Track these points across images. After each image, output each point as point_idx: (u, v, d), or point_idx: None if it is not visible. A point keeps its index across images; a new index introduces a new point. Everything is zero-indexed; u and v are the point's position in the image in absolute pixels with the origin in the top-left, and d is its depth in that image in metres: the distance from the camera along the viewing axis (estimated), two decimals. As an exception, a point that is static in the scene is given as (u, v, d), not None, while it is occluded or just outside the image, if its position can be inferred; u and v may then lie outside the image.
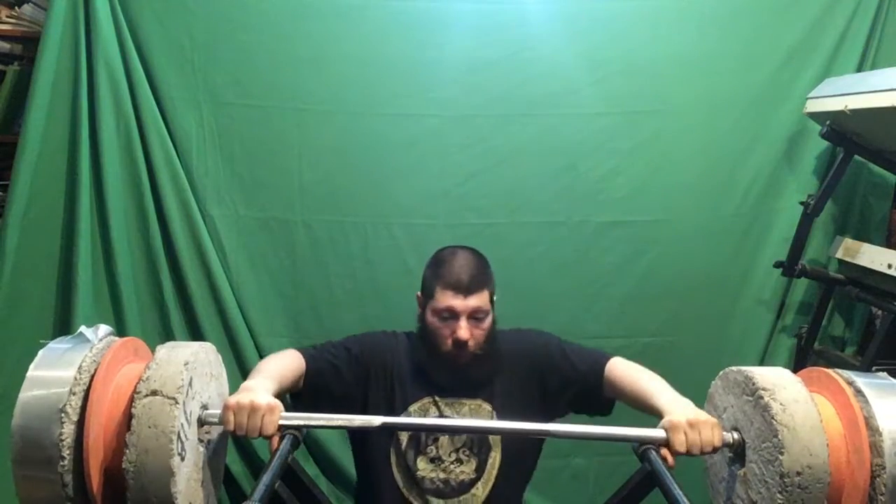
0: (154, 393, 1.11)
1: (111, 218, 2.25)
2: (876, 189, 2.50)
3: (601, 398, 1.62)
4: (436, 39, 2.34)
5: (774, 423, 1.13)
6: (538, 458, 1.73)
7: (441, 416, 1.60)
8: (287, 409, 1.28)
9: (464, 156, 2.40)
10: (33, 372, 1.12)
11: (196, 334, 2.33)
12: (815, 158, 2.48)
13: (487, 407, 1.62)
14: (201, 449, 1.22)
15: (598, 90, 2.39)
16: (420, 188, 2.40)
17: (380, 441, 1.61)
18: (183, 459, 1.12)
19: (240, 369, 2.34)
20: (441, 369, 1.60)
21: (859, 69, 2.40)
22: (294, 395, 1.57)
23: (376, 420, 1.27)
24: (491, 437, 1.61)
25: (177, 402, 1.10)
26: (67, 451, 1.06)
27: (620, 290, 2.47)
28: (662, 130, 2.42)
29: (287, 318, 2.43)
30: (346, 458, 2.35)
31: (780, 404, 1.15)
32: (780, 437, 1.12)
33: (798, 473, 1.11)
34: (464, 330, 1.55)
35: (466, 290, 1.55)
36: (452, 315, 1.56)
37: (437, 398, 1.61)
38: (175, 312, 2.34)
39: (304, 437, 1.28)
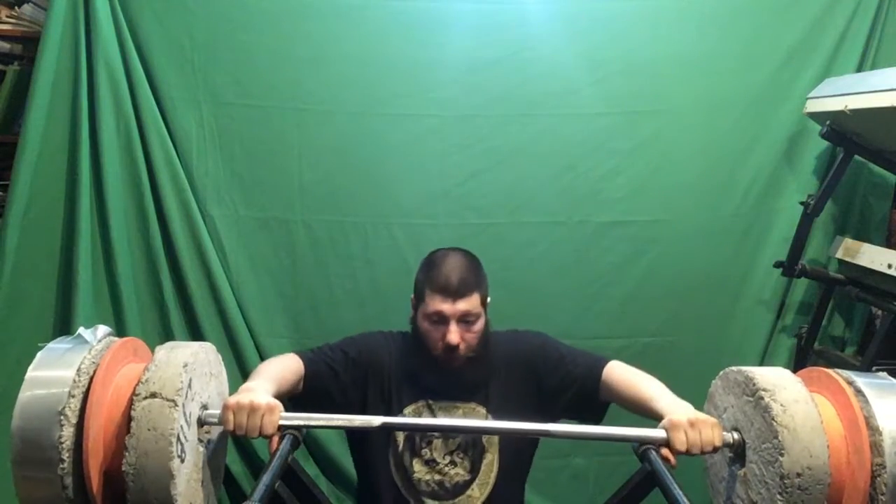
0: (153, 395, 1.10)
1: (111, 218, 2.25)
2: (876, 189, 2.50)
3: (597, 402, 1.60)
4: (436, 39, 2.34)
5: (775, 424, 1.13)
6: (533, 457, 1.72)
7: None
8: (286, 410, 1.28)
9: (464, 156, 2.40)
10: (33, 373, 1.12)
11: (196, 334, 2.33)
12: (815, 158, 2.48)
13: (482, 410, 1.62)
14: (201, 449, 1.22)
15: (598, 90, 2.39)
16: (420, 188, 2.40)
17: (378, 443, 1.60)
18: (183, 461, 1.12)
19: (240, 369, 2.34)
20: (434, 373, 1.59)
21: (859, 69, 2.40)
22: (293, 399, 1.56)
23: (376, 420, 1.27)
24: (485, 438, 1.61)
25: (176, 405, 1.10)
26: (67, 454, 1.06)
27: (620, 290, 2.47)
28: (662, 130, 2.42)
29: (287, 318, 2.43)
30: (346, 458, 2.35)
31: (781, 405, 1.14)
32: (780, 438, 1.12)
33: (798, 475, 1.11)
34: (453, 334, 1.53)
35: (456, 293, 1.54)
36: (442, 319, 1.55)
37: (430, 401, 1.61)
38: (175, 312, 2.34)
39: (304, 437, 1.28)
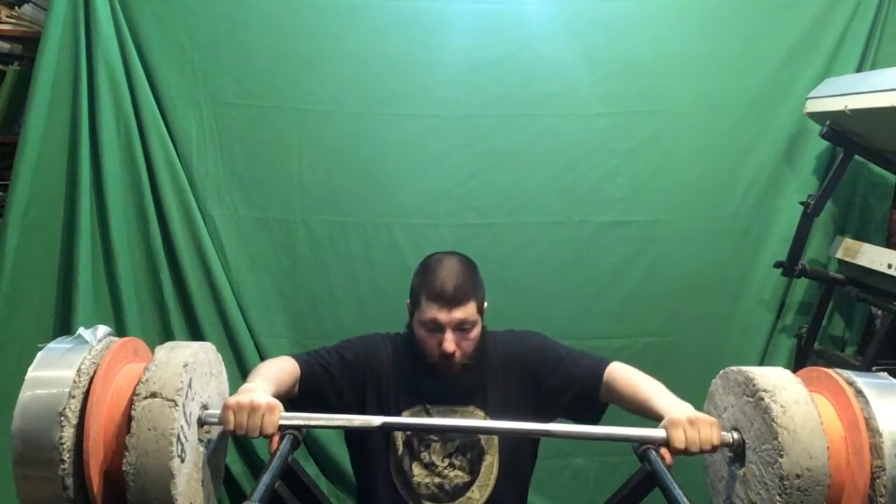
0: (153, 395, 1.10)
1: (111, 218, 2.25)
2: (876, 189, 2.50)
3: (597, 403, 1.59)
4: (436, 39, 2.34)
5: (774, 425, 1.13)
6: (535, 459, 1.72)
7: None
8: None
9: (464, 156, 2.40)
10: (33, 373, 1.12)
11: (196, 334, 2.33)
12: (815, 158, 2.48)
13: (480, 414, 1.61)
14: (201, 449, 1.22)
15: (598, 90, 2.39)
16: (420, 188, 2.40)
17: (376, 447, 1.60)
18: (183, 461, 1.12)
19: (240, 369, 2.34)
20: (431, 377, 1.58)
21: (859, 69, 2.40)
22: (289, 402, 1.55)
23: (376, 420, 1.27)
24: (484, 440, 1.60)
25: (176, 404, 1.10)
26: (67, 454, 1.06)
27: (620, 290, 2.47)
28: (662, 130, 2.42)
29: (287, 318, 2.43)
30: (346, 458, 2.33)
31: (781, 406, 1.14)
32: (780, 439, 1.12)
33: (798, 476, 1.11)
34: (449, 343, 1.52)
35: (451, 301, 1.51)
36: (438, 327, 1.53)
37: (428, 406, 1.60)
38: (175, 312, 2.34)
39: (304, 437, 1.28)
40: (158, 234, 2.30)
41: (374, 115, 2.36)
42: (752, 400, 1.20)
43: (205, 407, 1.23)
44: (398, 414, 1.59)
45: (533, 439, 1.70)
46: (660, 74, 2.39)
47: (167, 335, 2.31)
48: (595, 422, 1.61)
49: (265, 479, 1.13)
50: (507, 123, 2.39)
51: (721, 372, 1.33)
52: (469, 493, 1.58)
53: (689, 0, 2.38)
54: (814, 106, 2.30)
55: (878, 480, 1.11)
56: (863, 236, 2.44)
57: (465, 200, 2.41)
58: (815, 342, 2.45)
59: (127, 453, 1.08)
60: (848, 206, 2.51)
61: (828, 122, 2.21)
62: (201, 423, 1.21)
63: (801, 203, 2.34)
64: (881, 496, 1.10)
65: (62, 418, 1.07)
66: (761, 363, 2.51)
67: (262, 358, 2.39)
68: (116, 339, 1.23)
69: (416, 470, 1.58)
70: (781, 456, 1.11)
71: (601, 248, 2.45)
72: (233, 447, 2.34)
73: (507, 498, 1.63)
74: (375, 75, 2.34)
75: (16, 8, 2.47)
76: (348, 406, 1.59)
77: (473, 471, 1.59)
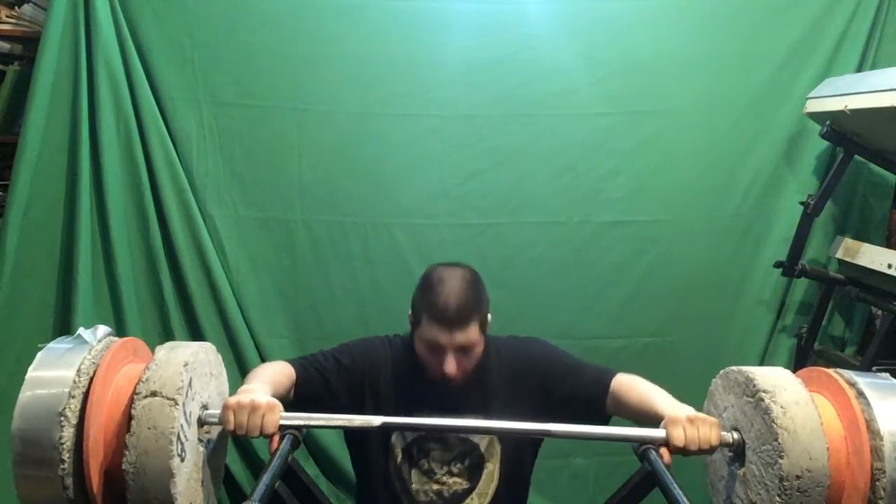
0: (153, 394, 1.10)
1: (111, 218, 2.25)
2: (876, 189, 2.50)
3: (601, 414, 1.55)
4: (436, 39, 2.34)
5: (775, 426, 1.13)
6: (534, 463, 1.70)
7: (435, 437, 1.56)
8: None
9: (464, 156, 2.40)
10: (33, 373, 1.12)
11: (196, 334, 2.33)
12: (815, 158, 2.48)
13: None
14: (201, 449, 1.22)
15: (598, 90, 2.39)
16: (420, 188, 2.40)
17: (375, 453, 1.58)
18: (183, 460, 1.12)
19: (240, 369, 2.34)
20: (431, 391, 1.54)
21: (859, 69, 2.40)
22: (286, 406, 1.52)
23: (376, 420, 1.27)
24: (485, 448, 1.57)
25: (176, 404, 1.10)
26: (67, 454, 1.06)
27: (620, 290, 2.47)
28: (662, 130, 2.42)
29: (287, 318, 2.43)
30: (346, 458, 2.34)
31: (781, 407, 1.14)
32: (780, 440, 1.11)
33: (797, 477, 1.11)
34: (451, 364, 1.47)
35: (453, 323, 1.46)
36: (438, 348, 1.49)
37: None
38: (175, 312, 2.34)
39: (303, 437, 1.28)
40: (158, 234, 2.30)
41: (374, 115, 2.36)
42: (752, 400, 1.20)
43: (205, 407, 1.23)
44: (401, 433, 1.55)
45: (534, 446, 1.67)
46: (660, 74, 2.39)
47: (167, 335, 2.31)
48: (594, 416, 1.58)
49: (265, 479, 1.13)
50: (507, 123, 2.39)
51: (721, 372, 1.33)
52: (468, 501, 1.56)
53: (689, 0, 2.38)
54: (814, 106, 2.30)
55: (878, 483, 1.10)
56: (863, 236, 2.44)
57: (465, 200, 2.41)
58: (815, 342, 2.45)
59: (127, 452, 1.08)
60: (848, 206, 2.51)
61: (828, 122, 2.21)
62: (201, 422, 1.21)
63: (801, 203, 2.34)
64: (881, 499, 1.10)
65: (62, 418, 1.07)
66: (761, 363, 2.51)
67: (262, 358, 2.39)
68: (116, 339, 1.23)
69: (415, 477, 1.56)
70: (781, 457, 1.11)
71: (601, 248, 2.45)
72: (233, 447, 2.35)
73: None
74: (375, 75, 2.34)
75: (16, 8, 2.47)
76: (344, 411, 1.54)
77: (473, 478, 1.57)
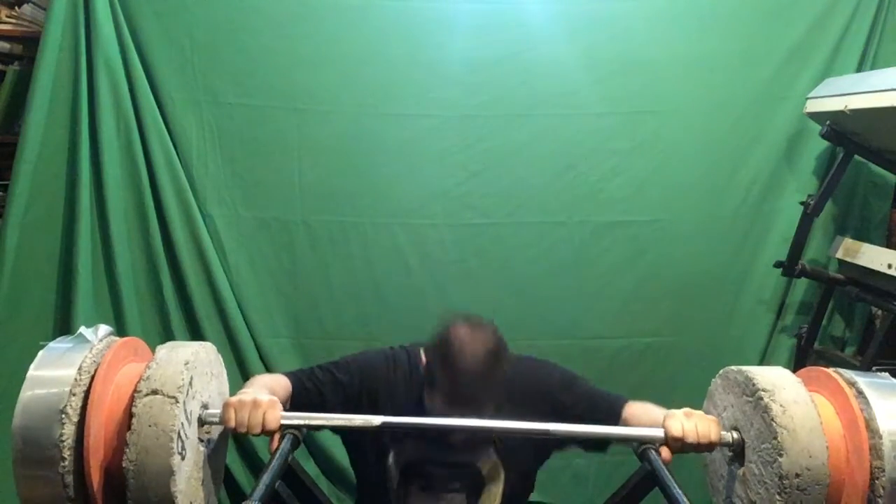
0: (154, 392, 1.10)
1: (111, 218, 2.25)
2: (876, 189, 2.50)
3: (608, 442, 1.53)
4: (436, 39, 2.34)
5: (774, 424, 1.13)
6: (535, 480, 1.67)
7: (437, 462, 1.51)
8: None
9: (464, 156, 2.40)
10: (34, 372, 1.12)
11: (196, 334, 2.33)
12: (815, 158, 2.48)
13: (494, 458, 1.52)
14: (202, 448, 1.22)
15: (598, 90, 2.39)
16: (420, 188, 2.40)
17: (374, 475, 1.54)
18: (183, 458, 1.12)
19: (240, 369, 2.34)
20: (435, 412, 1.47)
21: (859, 69, 2.40)
22: None
23: (376, 420, 1.27)
24: (487, 472, 1.52)
25: (177, 401, 1.10)
26: (68, 452, 1.06)
27: (620, 290, 2.47)
28: (662, 130, 2.42)
29: (287, 318, 2.43)
30: (346, 459, 2.34)
31: (780, 406, 1.14)
32: (779, 438, 1.12)
33: (797, 475, 1.11)
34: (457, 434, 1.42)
35: (465, 408, 1.37)
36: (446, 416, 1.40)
37: (429, 458, 1.50)
38: (175, 312, 2.34)
39: (304, 437, 1.28)
40: (158, 233, 2.31)
41: (374, 115, 2.36)
42: (751, 399, 1.20)
43: (205, 406, 1.23)
44: (398, 460, 1.51)
45: (539, 461, 1.63)
46: (660, 74, 2.40)
47: (167, 335, 2.31)
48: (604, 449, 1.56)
49: (265, 479, 1.13)
50: (507, 123, 2.39)
51: (721, 372, 1.33)
52: None
53: (688, 0, 2.39)
54: (814, 106, 2.30)
55: (877, 481, 1.11)
56: (863, 236, 2.44)
57: (464, 200, 2.41)
58: (815, 342, 2.46)
59: (127, 450, 1.08)
60: (848, 206, 2.51)
61: (828, 122, 2.21)
62: (202, 422, 1.21)
63: (801, 203, 2.34)
64: (880, 497, 1.10)
65: (63, 416, 1.07)
66: (761, 363, 2.51)
67: (263, 358, 2.39)
68: (117, 338, 1.23)
69: (415, 492, 1.52)
70: (781, 455, 1.11)
71: (601, 248, 2.45)
72: (233, 447, 2.35)
73: None
74: (375, 75, 2.34)
75: (16, 8, 2.47)
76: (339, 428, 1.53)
77: (472, 494, 1.53)
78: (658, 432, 1.26)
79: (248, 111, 2.34)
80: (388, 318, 2.41)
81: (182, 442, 1.11)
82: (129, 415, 1.10)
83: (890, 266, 2.14)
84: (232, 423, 1.21)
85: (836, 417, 1.19)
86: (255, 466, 2.39)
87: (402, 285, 2.40)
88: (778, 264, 2.40)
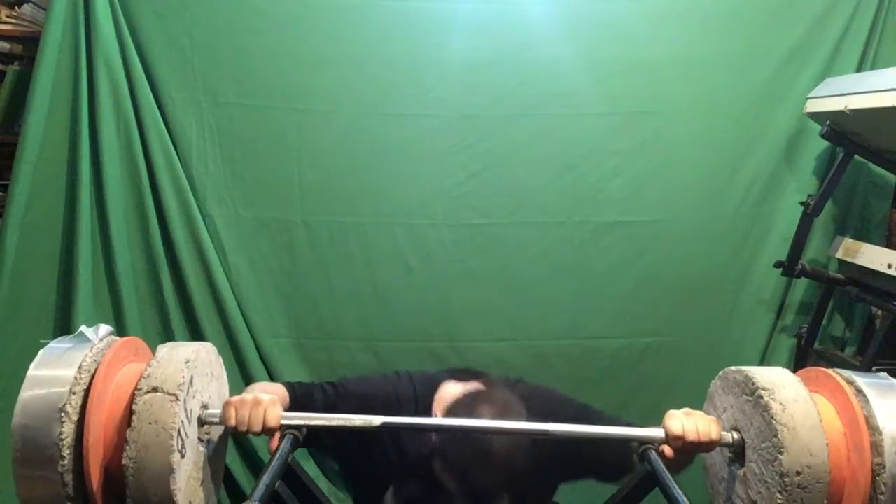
0: (155, 390, 1.10)
1: (111, 218, 2.25)
2: (876, 189, 2.50)
3: (625, 470, 1.47)
4: (436, 39, 2.34)
5: (774, 422, 1.13)
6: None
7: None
8: None
9: (464, 156, 2.40)
10: (34, 371, 1.12)
11: (196, 334, 2.33)
12: (815, 158, 2.48)
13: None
14: (201, 448, 1.22)
15: (597, 90, 2.39)
16: (420, 188, 2.40)
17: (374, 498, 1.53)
18: (183, 457, 1.12)
19: (240, 369, 2.35)
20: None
21: (859, 69, 2.40)
22: None
23: (376, 420, 1.27)
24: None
25: (178, 399, 1.10)
26: (67, 451, 1.06)
27: (620, 290, 2.47)
28: (662, 130, 2.42)
29: (287, 318, 2.43)
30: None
31: (780, 404, 1.14)
32: (779, 436, 1.12)
33: (798, 473, 1.11)
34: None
35: (480, 499, 1.35)
36: None
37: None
38: (175, 312, 2.34)
39: (303, 438, 1.28)
40: (158, 233, 2.30)
41: (374, 116, 2.36)
42: (751, 398, 1.20)
43: (205, 406, 1.23)
44: (401, 496, 1.49)
45: (552, 488, 1.61)
46: (660, 74, 2.39)
47: (167, 335, 2.31)
48: (617, 479, 1.53)
49: (265, 479, 1.13)
50: (506, 123, 2.39)
51: (720, 372, 1.33)
52: None
53: (689, 1, 2.39)
54: (814, 106, 2.30)
55: (878, 478, 1.11)
56: (863, 236, 2.44)
57: (464, 200, 2.41)
58: (815, 342, 2.46)
59: (127, 447, 1.08)
60: (848, 206, 2.51)
61: (828, 122, 2.21)
62: (202, 422, 1.21)
63: (801, 203, 2.34)
64: (881, 494, 1.10)
65: (62, 414, 1.06)
66: (761, 363, 2.51)
67: (263, 358, 2.39)
68: (118, 338, 1.23)
69: None
70: (781, 453, 1.11)
71: (601, 248, 2.45)
72: (233, 447, 2.34)
73: None
74: (375, 75, 2.34)
75: (16, 8, 2.48)
76: (332, 447, 1.51)
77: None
78: (658, 432, 1.26)
79: (248, 111, 2.34)
80: (388, 318, 2.41)
81: (182, 440, 1.11)
82: (129, 413, 1.10)
83: (890, 266, 2.14)
84: (232, 422, 1.21)
85: (836, 416, 1.19)
86: (255, 466, 2.39)
87: (402, 285, 2.40)
88: (778, 264, 2.40)
